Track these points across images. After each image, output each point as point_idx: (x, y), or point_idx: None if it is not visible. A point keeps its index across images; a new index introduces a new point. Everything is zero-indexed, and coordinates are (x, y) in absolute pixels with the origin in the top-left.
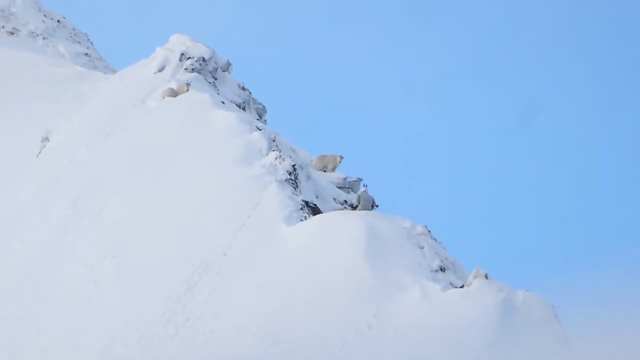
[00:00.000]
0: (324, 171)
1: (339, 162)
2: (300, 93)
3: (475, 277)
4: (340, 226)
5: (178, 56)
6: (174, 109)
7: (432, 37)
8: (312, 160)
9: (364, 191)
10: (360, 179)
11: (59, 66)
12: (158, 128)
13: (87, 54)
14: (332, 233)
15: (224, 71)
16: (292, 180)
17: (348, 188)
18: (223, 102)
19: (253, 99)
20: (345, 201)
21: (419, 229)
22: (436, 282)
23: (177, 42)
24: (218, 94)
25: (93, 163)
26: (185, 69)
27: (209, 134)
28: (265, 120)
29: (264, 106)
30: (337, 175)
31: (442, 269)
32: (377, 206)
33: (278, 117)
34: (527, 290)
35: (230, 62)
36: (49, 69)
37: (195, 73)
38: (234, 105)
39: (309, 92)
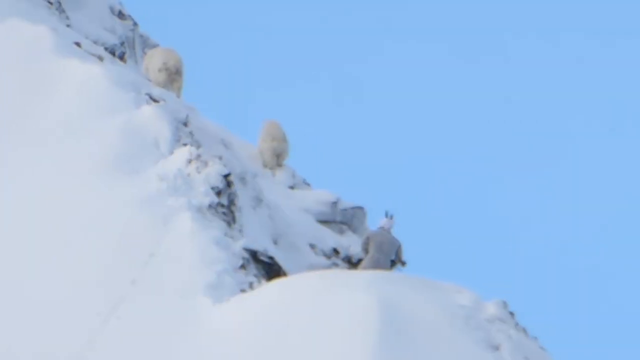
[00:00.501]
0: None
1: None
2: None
3: None
4: (326, 305)
5: None
6: None
7: None
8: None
9: (380, 229)
10: (362, 208)
11: None
12: None
13: None
14: (309, 318)
15: None
16: (223, 206)
17: (341, 223)
18: (78, 44)
19: (142, 36)
20: (336, 250)
21: (491, 308)
22: None
23: None
24: (68, 26)
25: None
26: None
27: (49, 109)
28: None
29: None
30: (318, 197)
31: None
32: (404, 264)
33: (199, 79)
34: None
35: None
36: None
37: None
38: (102, 49)
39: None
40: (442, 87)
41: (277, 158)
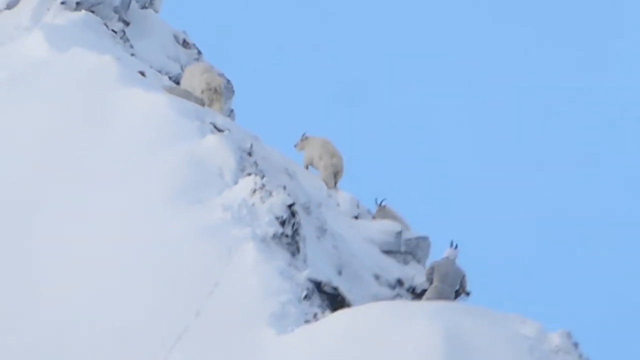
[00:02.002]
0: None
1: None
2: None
3: None
4: (391, 336)
5: None
6: (43, 87)
7: None
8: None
9: (444, 259)
10: (427, 238)
11: None
12: (19, 125)
13: None
14: (374, 349)
15: (144, 7)
16: (287, 236)
17: (406, 253)
18: (143, 73)
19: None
20: (400, 281)
21: (555, 339)
22: None
23: None
24: (132, 55)
25: None
26: (63, 2)
27: (113, 138)
28: (233, 111)
29: (228, 81)
30: (382, 227)
31: None
32: (468, 294)
33: (261, 107)
34: None
35: None
36: None
37: (84, 11)
38: (167, 78)
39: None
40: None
41: (335, 176)
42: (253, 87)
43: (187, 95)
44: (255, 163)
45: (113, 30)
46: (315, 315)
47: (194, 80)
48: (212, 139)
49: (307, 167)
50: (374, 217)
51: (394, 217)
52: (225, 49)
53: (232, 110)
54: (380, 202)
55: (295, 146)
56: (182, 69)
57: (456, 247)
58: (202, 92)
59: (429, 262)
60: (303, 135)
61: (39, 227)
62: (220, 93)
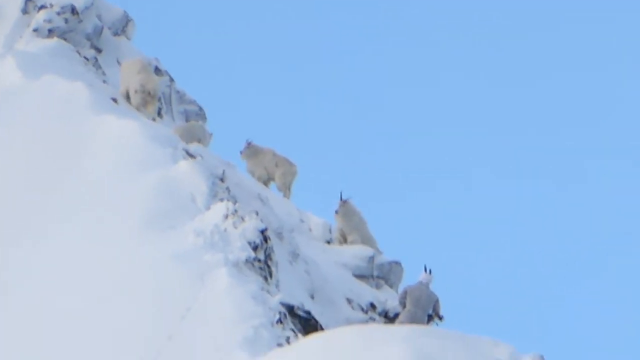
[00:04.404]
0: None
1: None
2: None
3: None
4: (363, 357)
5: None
6: (16, 114)
7: None
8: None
9: (418, 283)
10: (399, 263)
11: None
12: None
13: None
14: None
15: (116, 34)
16: (259, 261)
17: (378, 278)
18: (115, 100)
19: (178, 92)
20: (373, 305)
21: None
22: None
23: None
24: (105, 81)
25: None
26: (35, 30)
27: (86, 165)
28: (212, 135)
29: (200, 108)
30: (355, 252)
31: None
32: (441, 318)
33: (233, 132)
34: None
35: (130, 16)
36: None
37: (56, 38)
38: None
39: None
40: None
41: (291, 183)
42: (228, 111)
43: (191, 130)
44: (228, 189)
45: (85, 58)
46: (287, 339)
47: (130, 78)
48: (185, 165)
49: (259, 178)
50: (336, 212)
51: (353, 214)
52: (199, 75)
53: (211, 134)
54: (342, 197)
55: (241, 153)
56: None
57: (430, 272)
58: (136, 92)
59: (401, 287)
60: (248, 143)
61: (9, 254)
62: (154, 96)
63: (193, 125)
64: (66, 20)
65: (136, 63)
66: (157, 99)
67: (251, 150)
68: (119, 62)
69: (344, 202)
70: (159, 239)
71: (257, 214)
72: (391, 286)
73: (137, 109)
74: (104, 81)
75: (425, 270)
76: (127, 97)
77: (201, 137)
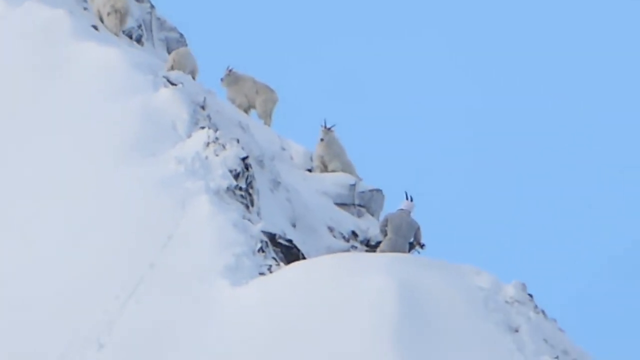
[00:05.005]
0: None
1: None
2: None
3: None
4: (344, 287)
5: None
6: None
7: None
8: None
9: (399, 211)
10: (381, 191)
11: None
12: None
13: None
14: (328, 302)
15: None
16: (241, 189)
17: (359, 206)
18: (95, 27)
19: (159, 19)
20: (355, 233)
21: (510, 290)
22: None
23: None
24: (85, 9)
25: None
26: None
27: (66, 92)
28: (196, 69)
29: (181, 35)
30: (336, 180)
31: None
32: (422, 246)
33: (214, 60)
34: None
35: None
36: None
37: None
38: (121, 33)
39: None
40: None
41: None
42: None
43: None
44: (209, 116)
45: None
46: (269, 268)
47: (98, 3)
48: (166, 92)
49: (239, 106)
50: (321, 140)
51: (334, 143)
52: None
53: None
54: (326, 125)
55: (222, 80)
56: (136, 23)
57: (411, 199)
58: (109, 14)
59: (382, 215)
60: (228, 70)
61: None
62: (124, 14)
63: (190, 54)
64: None
65: None
66: (127, 16)
67: (232, 78)
68: None
69: (328, 130)
70: (140, 166)
71: (238, 141)
72: (372, 214)
73: (114, 31)
74: (85, 8)
75: (407, 197)
76: (102, 21)
77: (193, 69)
